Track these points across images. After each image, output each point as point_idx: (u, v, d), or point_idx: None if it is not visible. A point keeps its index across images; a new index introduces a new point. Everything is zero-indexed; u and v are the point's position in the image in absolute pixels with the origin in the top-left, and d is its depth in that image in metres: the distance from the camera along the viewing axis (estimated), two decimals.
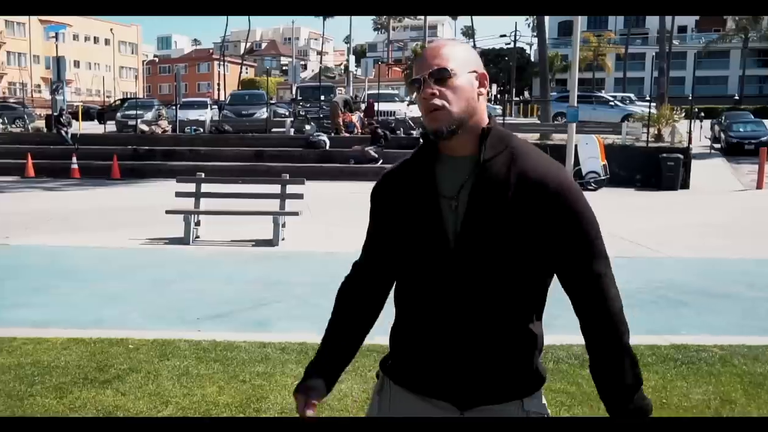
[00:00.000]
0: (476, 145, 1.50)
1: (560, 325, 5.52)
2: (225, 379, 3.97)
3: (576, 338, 4.82)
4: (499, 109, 27.55)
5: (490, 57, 64.96)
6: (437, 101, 1.46)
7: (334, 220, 10.96)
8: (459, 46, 1.54)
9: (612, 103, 28.01)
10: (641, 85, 54.07)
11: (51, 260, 7.93)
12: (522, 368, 1.54)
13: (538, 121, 27.79)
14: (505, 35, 55.10)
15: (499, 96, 47.38)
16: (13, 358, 4.38)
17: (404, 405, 1.58)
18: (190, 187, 9.40)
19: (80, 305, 5.96)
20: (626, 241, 9.45)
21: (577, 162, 16.78)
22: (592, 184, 16.42)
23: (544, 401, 1.59)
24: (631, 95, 35.00)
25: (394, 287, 1.65)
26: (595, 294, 1.49)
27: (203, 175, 9.65)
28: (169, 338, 4.78)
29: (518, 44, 54.39)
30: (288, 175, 9.74)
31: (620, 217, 12.28)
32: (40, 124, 27.33)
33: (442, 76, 1.47)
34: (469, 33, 76.09)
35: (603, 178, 16.58)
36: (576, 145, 16.82)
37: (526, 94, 57.35)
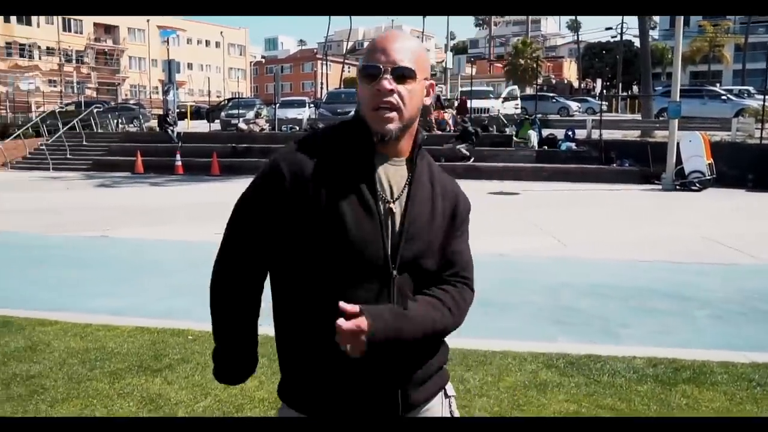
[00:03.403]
0: (408, 152, 1.46)
1: (627, 335, 5.26)
2: (268, 375, 4.01)
3: (639, 350, 4.55)
4: (602, 104, 26.12)
5: (595, 50, 62.41)
6: (394, 99, 1.38)
7: None
8: (421, 47, 1.47)
9: (724, 97, 25.99)
10: (763, 77, 49.87)
11: (139, 252, 8.43)
12: (440, 356, 1.52)
13: (640, 118, 26.33)
14: (611, 28, 52.45)
15: (604, 91, 45.35)
16: (83, 343, 4.68)
17: None
18: None
19: (155, 295, 6.28)
20: (722, 246, 8.75)
21: (679, 161, 15.77)
22: (696, 185, 15.37)
23: None
24: (750, 88, 32.09)
25: (290, 299, 1.45)
26: (461, 281, 1.51)
27: None
28: None
29: (625, 37, 51.71)
30: None
31: (722, 219, 11.42)
32: (154, 123, 29.20)
33: (404, 75, 1.39)
34: (573, 26, 73.48)
35: (708, 177, 15.47)
36: (678, 143, 15.82)
37: (635, 89, 54.50)
